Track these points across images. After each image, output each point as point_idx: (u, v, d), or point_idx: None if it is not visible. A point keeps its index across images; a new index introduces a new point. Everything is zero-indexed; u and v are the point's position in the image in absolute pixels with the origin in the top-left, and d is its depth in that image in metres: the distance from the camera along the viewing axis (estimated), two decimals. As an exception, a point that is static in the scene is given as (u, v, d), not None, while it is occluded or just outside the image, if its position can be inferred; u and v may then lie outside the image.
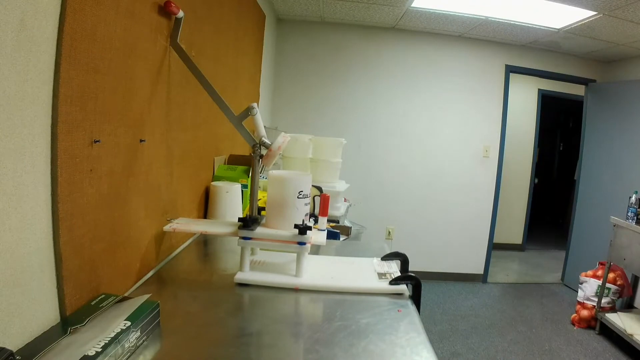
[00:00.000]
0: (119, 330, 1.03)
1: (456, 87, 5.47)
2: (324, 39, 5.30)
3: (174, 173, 1.88)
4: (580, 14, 3.98)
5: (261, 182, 2.79)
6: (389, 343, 1.23)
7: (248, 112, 1.62)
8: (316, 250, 2.19)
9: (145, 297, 1.21)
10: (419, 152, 5.52)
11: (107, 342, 0.97)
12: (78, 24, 1.08)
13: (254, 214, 1.65)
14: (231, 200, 2.30)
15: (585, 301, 4.59)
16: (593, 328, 4.47)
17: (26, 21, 0.92)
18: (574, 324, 4.59)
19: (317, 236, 1.64)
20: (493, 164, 5.60)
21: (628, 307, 4.79)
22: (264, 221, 1.68)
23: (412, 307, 1.48)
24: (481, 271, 5.76)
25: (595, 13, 3.86)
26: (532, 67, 5.57)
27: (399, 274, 1.66)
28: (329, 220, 2.66)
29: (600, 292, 4.37)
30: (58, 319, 1.09)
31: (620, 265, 4.34)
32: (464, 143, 5.55)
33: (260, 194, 2.54)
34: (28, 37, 0.93)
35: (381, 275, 1.64)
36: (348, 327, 1.30)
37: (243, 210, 2.41)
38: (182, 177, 1.98)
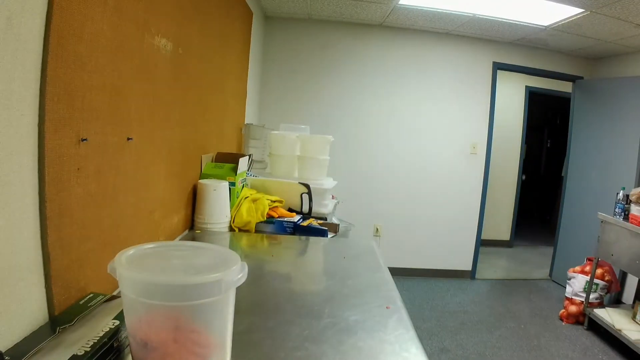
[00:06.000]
0: (108, 329, 1.03)
1: (443, 84, 5.49)
2: (311, 36, 5.29)
3: (162, 171, 1.88)
4: (567, 11, 4.00)
5: (250, 180, 2.80)
6: (377, 340, 1.24)
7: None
8: (304, 247, 2.20)
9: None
10: (407, 149, 5.53)
11: (95, 341, 0.97)
12: (65, 22, 1.08)
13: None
14: (219, 198, 2.30)
15: (573, 297, 4.63)
16: (581, 324, 4.51)
17: (13, 19, 0.91)
18: (562, 320, 4.63)
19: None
20: (480, 161, 5.64)
21: (616, 302, 4.85)
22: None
23: (400, 304, 1.48)
24: (469, 267, 5.80)
25: (583, 10, 3.89)
26: (519, 64, 5.60)
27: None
28: (317, 218, 2.67)
29: (589, 288, 4.41)
30: (47, 319, 1.09)
31: (608, 261, 4.38)
32: (451, 140, 5.57)
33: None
34: (15, 36, 0.93)
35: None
36: (337, 324, 1.30)
37: (231, 207, 2.41)
38: (169, 175, 1.98)
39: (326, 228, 2.45)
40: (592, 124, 5.52)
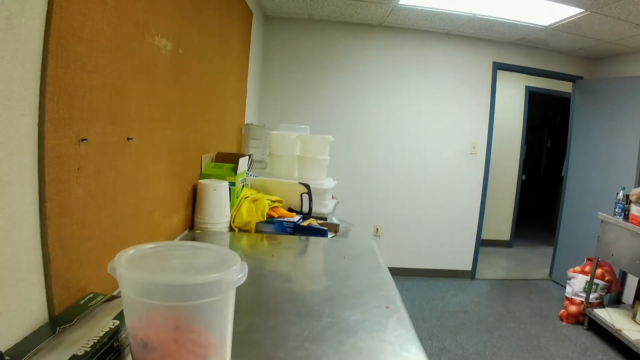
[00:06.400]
0: (108, 329, 1.03)
1: (443, 84, 5.49)
2: (311, 36, 5.29)
3: (162, 171, 1.88)
4: (567, 11, 4.00)
5: (250, 180, 2.79)
6: (377, 340, 1.23)
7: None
8: (304, 247, 2.20)
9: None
10: (407, 149, 5.53)
11: (95, 341, 0.97)
12: (65, 22, 1.08)
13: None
14: (219, 198, 2.30)
15: (573, 297, 4.63)
16: (581, 324, 4.50)
17: (13, 19, 0.91)
18: (562, 320, 4.63)
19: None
20: (480, 161, 5.64)
21: (616, 302, 4.85)
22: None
23: (400, 304, 1.48)
24: (469, 267, 5.80)
25: (583, 10, 3.89)
26: (519, 64, 5.60)
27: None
28: (317, 218, 2.67)
29: (589, 288, 4.41)
30: (47, 319, 1.09)
31: (608, 261, 4.38)
32: (451, 140, 5.57)
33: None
34: (15, 36, 0.93)
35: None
36: (337, 324, 1.30)
37: (231, 207, 2.41)
38: (169, 175, 1.98)
39: (326, 228, 2.45)
40: (592, 124, 5.52)
